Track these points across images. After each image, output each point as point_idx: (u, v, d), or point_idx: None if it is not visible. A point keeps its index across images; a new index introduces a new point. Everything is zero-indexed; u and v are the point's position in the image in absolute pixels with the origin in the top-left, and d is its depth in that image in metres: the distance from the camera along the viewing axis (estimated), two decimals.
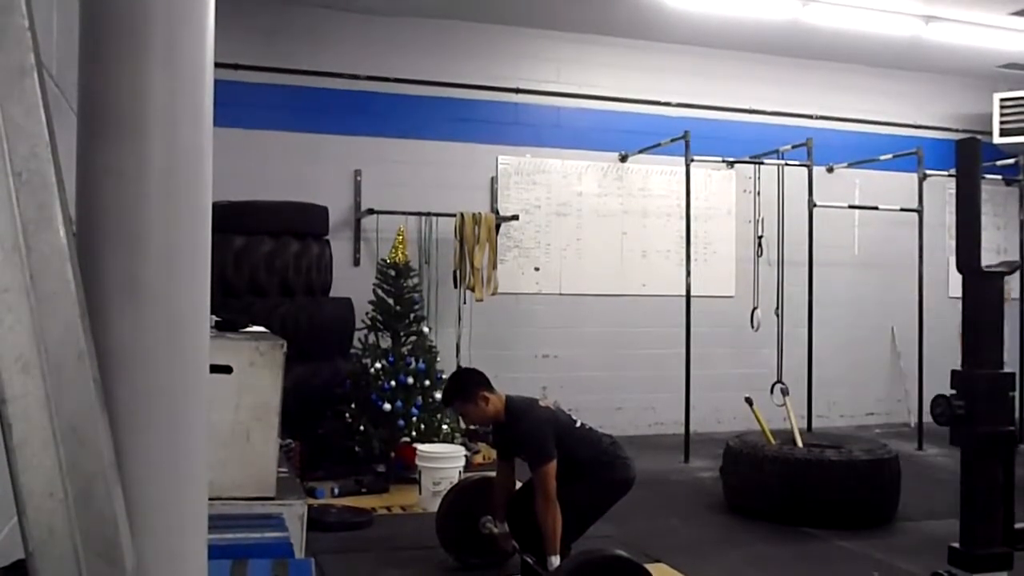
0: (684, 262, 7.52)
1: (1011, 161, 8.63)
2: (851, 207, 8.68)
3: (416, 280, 7.11)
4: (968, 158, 3.46)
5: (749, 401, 5.81)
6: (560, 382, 8.07)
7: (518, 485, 4.36)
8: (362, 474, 6.02)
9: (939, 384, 3.84)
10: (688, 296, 7.40)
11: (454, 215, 7.52)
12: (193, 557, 1.22)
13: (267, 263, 6.48)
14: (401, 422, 6.30)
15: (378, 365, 6.45)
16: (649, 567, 3.66)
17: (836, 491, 5.27)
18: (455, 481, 5.16)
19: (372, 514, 5.35)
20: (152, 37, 1.15)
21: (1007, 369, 3.46)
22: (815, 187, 7.91)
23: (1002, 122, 9.10)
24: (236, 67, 7.33)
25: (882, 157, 8.58)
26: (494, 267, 7.57)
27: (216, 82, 1.24)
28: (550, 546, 3.87)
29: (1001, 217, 9.50)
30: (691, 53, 8.64)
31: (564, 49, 8.45)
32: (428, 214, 7.75)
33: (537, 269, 8.36)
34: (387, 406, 6.29)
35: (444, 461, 5.57)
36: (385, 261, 6.97)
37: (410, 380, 6.43)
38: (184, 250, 1.19)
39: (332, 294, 7.00)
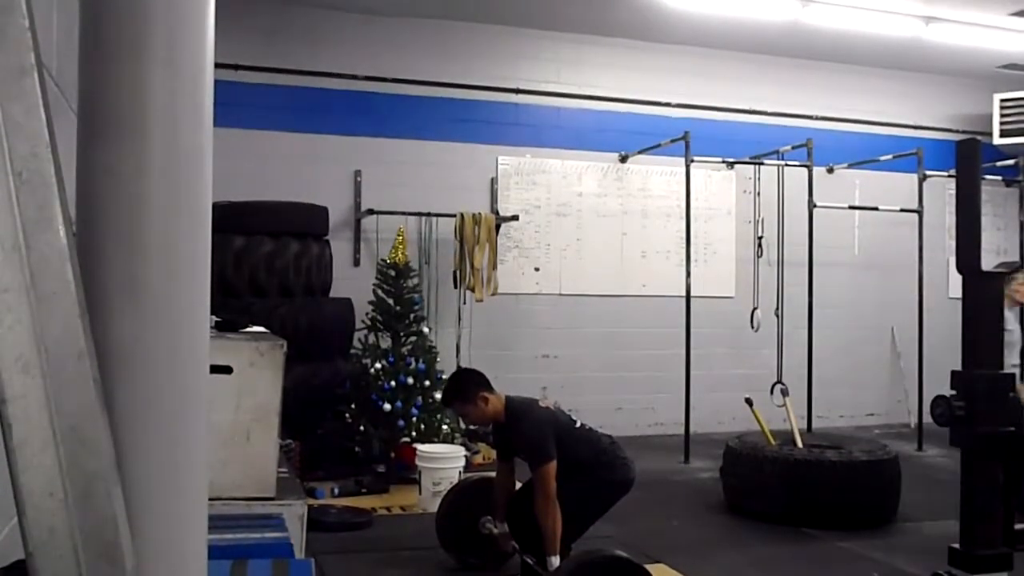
0: (684, 262, 7.52)
1: (1011, 162, 8.62)
2: (851, 208, 8.68)
3: (416, 280, 7.11)
4: (968, 159, 3.46)
5: (749, 402, 5.81)
6: (560, 382, 8.07)
7: (518, 485, 4.36)
8: (362, 474, 6.02)
9: (939, 385, 3.84)
10: (688, 296, 7.40)
11: (454, 215, 7.52)
12: (193, 557, 1.21)
13: (267, 263, 6.48)
14: (401, 422, 6.31)
15: (378, 365, 6.46)
16: (649, 567, 3.67)
17: (836, 492, 5.27)
18: (455, 481, 5.16)
19: (372, 514, 5.35)
20: (152, 37, 1.15)
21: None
22: (815, 188, 7.91)
23: (1002, 123, 9.10)
24: (236, 67, 7.33)
25: (882, 158, 8.58)
26: (494, 267, 7.57)
27: (216, 82, 1.24)
28: (550, 546, 3.87)
29: (1001, 218, 9.51)
30: (691, 53, 8.64)
31: (564, 49, 8.45)
32: (428, 214, 7.75)
33: (537, 269, 8.36)
34: (387, 406, 6.29)
35: (444, 461, 5.56)
36: (385, 261, 6.97)
37: (410, 380, 6.43)
38: (184, 250, 1.18)
39: (332, 294, 7.00)
